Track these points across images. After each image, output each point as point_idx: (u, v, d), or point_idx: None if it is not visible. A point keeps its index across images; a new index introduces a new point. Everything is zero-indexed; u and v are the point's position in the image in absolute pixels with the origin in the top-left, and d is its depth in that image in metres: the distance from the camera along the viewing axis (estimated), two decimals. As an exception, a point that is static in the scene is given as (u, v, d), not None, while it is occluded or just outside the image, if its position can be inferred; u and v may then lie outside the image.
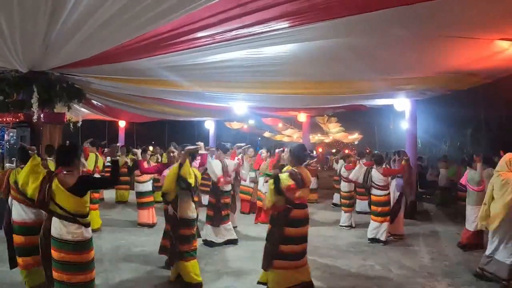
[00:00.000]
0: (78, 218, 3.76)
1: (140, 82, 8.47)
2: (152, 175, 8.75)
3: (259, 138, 31.83)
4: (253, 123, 22.67)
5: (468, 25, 5.13)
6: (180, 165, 5.20)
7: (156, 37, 5.25)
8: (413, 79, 8.18)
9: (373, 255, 7.05)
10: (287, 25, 4.79)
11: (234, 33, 5.00)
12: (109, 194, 12.65)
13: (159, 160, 11.39)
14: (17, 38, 5.43)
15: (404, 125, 11.28)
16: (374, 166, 7.93)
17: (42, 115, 8.45)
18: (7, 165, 8.14)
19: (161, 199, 6.64)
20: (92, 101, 12.04)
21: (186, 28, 4.89)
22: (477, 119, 15.72)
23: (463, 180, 7.96)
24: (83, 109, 12.69)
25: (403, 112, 11.15)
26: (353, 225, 9.21)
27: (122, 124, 18.25)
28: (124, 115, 16.00)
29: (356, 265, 6.45)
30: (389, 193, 7.93)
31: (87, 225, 3.85)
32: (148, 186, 9.06)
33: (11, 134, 9.39)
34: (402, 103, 10.78)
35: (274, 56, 6.28)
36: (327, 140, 27.12)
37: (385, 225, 7.70)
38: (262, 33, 5.00)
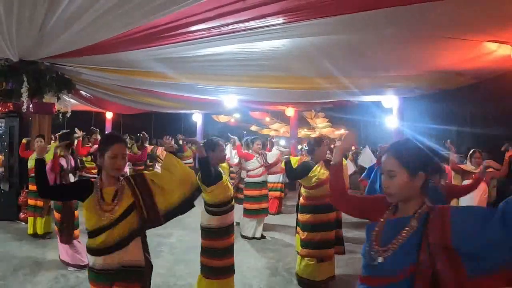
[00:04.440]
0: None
1: (132, 73, 8.46)
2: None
3: (245, 132, 31.87)
4: (240, 117, 22.68)
5: (458, 26, 5.25)
6: None
7: (153, 29, 5.26)
8: (402, 77, 8.31)
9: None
10: (283, 21, 4.87)
11: (231, 27, 5.05)
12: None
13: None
14: (13, 25, 5.37)
15: (391, 121, 11.42)
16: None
17: (31, 105, 8.39)
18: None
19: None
20: (81, 91, 11.96)
21: (184, 21, 4.92)
22: (463, 118, 16.05)
23: None
24: (71, 100, 12.56)
25: (390, 108, 11.31)
26: None
27: (109, 115, 18.10)
28: (111, 106, 15.87)
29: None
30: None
31: (88, 248, 2.78)
32: None
33: (-1, 124, 9.28)
34: (390, 100, 10.93)
35: (267, 50, 6.34)
36: (313, 135, 27.26)
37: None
38: (258, 28, 5.06)
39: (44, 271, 5.57)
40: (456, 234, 1.73)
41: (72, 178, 5.95)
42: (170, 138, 3.45)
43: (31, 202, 7.19)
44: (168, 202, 2.86)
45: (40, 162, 2.85)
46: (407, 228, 1.87)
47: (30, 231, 7.12)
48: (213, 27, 5.12)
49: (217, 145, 4.26)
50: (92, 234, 2.72)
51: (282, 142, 19.44)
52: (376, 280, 1.93)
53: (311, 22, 4.89)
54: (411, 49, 6.43)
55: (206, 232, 4.18)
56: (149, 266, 2.85)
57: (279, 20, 4.84)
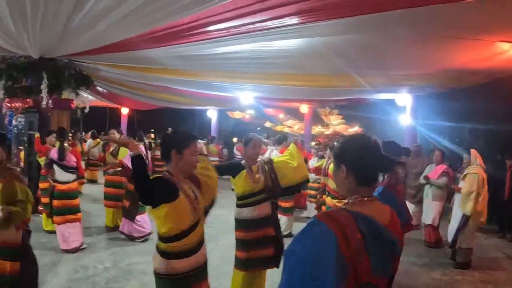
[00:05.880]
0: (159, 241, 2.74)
1: (149, 70, 8.63)
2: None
3: (258, 128, 31.86)
4: (254, 113, 22.75)
5: (471, 27, 5.32)
6: None
7: (173, 28, 5.40)
8: (416, 76, 8.37)
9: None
10: (299, 21, 5.00)
11: (249, 27, 5.19)
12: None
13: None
14: (38, 23, 5.46)
15: (404, 119, 11.42)
16: None
17: (50, 101, 8.54)
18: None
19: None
20: (98, 87, 12.17)
21: (204, 21, 5.07)
22: (476, 115, 15.92)
23: None
24: (89, 96, 12.72)
25: (403, 106, 11.32)
26: None
27: (124, 111, 18.31)
28: (128, 102, 16.10)
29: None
30: None
31: (170, 254, 2.68)
32: None
33: (19, 119, 9.40)
34: (403, 98, 10.95)
35: (282, 49, 6.46)
36: (327, 132, 27.21)
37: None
38: (274, 28, 5.19)
39: (63, 262, 5.69)
40: None
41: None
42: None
43: (44, 200, 7.20)
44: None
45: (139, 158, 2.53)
46: None
47: (46, 227, 7.19)
48: (232, 27, 5.26)
49: (249, 140, 4.24)
50: (186, 233, 2.69)
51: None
52: None
53: (326, 22, 5.00)
54: (425, 48, 6.49)
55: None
56: None
57: (295, 20, 4.97)
